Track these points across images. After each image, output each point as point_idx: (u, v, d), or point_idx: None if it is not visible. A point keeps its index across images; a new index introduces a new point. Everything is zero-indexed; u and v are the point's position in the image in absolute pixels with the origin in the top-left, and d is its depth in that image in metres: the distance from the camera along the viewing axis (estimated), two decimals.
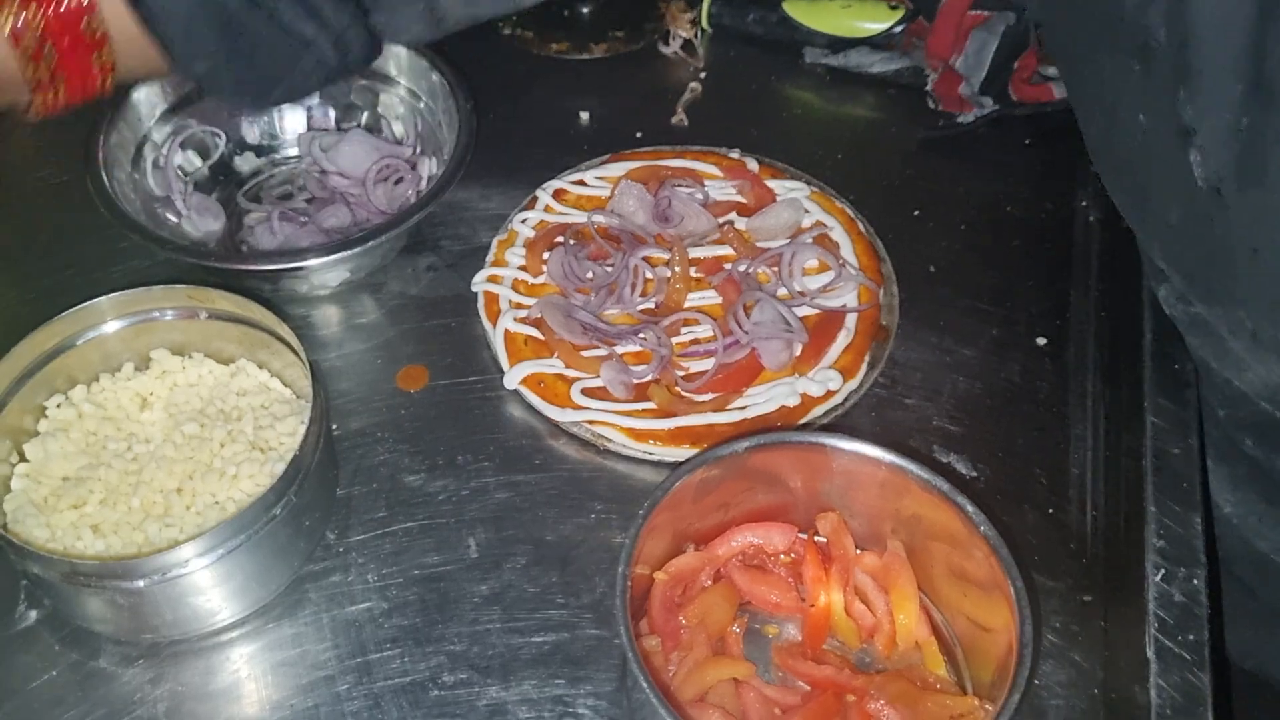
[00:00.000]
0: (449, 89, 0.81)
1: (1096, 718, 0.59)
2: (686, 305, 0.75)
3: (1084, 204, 0.84)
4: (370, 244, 0.72)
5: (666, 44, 0.97)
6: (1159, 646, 0.55)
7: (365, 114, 0.86)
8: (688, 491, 0.58)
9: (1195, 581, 0.58)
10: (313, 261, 0.72)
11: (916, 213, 0.84)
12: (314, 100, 0.84)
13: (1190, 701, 0.54)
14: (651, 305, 0.75)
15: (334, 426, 0.71)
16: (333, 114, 0.87)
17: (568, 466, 0.70)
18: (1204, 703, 0.54)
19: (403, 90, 0.85)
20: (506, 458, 0.70)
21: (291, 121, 0.85)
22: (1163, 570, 0.58)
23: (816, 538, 0.63)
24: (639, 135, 0.89)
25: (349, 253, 0.72)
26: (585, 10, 0.99)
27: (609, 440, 0.69)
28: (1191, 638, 0.56)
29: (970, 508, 0.56)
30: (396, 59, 0.84)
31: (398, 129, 0.85)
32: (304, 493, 0.61)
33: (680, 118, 0.91)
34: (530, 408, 0.72)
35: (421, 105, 0.84)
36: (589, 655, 0.61)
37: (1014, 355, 0.75)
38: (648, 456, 0.69)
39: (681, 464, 0.58)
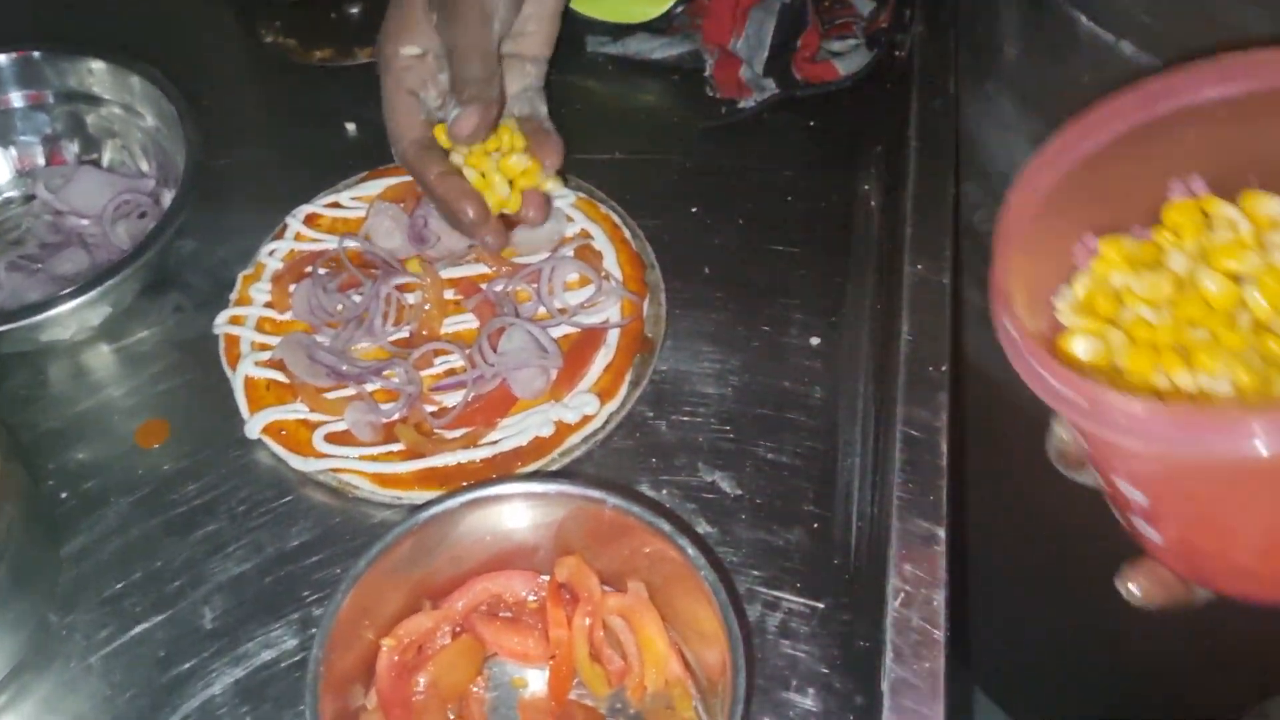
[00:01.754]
0: (177, 116, 0.75)
1: None
2: (444, 331, 0.71)
3: (866, 188, 0.81)
4: (85, 297, 0.67)
5: None
6: (894, 679, 0.53)
7: (108, 145, 0.81)
8: (398, 557, 0.55)
9: (934, 604, 0.55)
10: (17, 324, 0.67)
11: (695, 209, 0.80)
12: (21, 136, 0.79)
13: None
14: (405, 335, 0.71)
15: (63, 494, 0.67)
16: (74, 148, 0.81)
17: (315, 518, 0.66)
18: None
19: (140, 119, 0.79)
20: (250, 514, 0.66)
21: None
22: (902, 594, 0.56)
23: (560, 581, 0.60)
24: None
25: (65, 307, 0.67)
26: (354, 11, 0.93)
27: (356, 488, 0.66)
28: (928, 666, 0.54)
29: (691, 551, 0.54)
30: (130, 87, 0.79)
31: (140, 160, 0.80)
32: (1, 582, 0.57)
33: None
34: (278, 458, 0.68)
35: (159, 134, 0.78)
36: None
37: (787, 359, 0.72)
38: (398, 501, 0.66)
39: (389, 526, 0.55)
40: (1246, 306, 0.46)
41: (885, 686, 0.53)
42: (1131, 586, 0.49)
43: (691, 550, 0.53)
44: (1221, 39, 0.59)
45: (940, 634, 0.55)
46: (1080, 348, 0.47)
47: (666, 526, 0.54)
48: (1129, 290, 0.49)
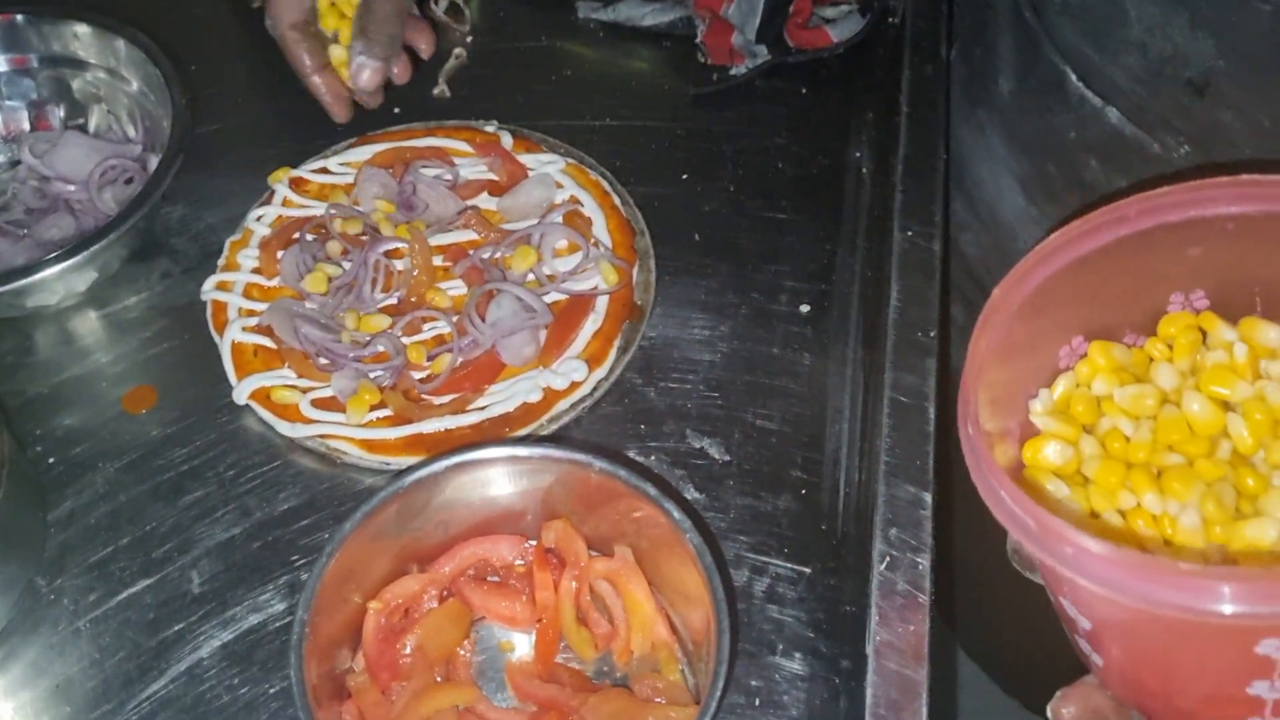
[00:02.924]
0: (163, 81, 0.75)
1: (835, 709, 0.58)
2: (433, 297, 0.71)
3: (857, 155, 0.81)
4: (70, 261, 0.67)
5: (435, 4, 0.91)
6: (879, 641, 0.54)
7: (95, 111, 0.80)
8: (384, 520, 0.55)
9: (920, 567, 0.56)
10: (3, 288, 0.66)
11: (685, 176, 0.80)
12: (7, 101, 0.78)
13: (905, 695, 0.52)
14: (394, 301, 0.71)
15: (50, 460, 0.66)
16: (59, 113, 0.80)
17: (303, 484, 0.66)
18: (919, 696, 0.52)
19: (126, 84, 0.78)
20: (238, 479, 0.66)
21: None
22: (888, 558, 0.56)
23: (547, 546, 0.60)
24: (397, 111, 0.83)
25: (50, 271, 0.67)
26: None
27: (344, 454, 0.66)
28: (912, 628, 0.54)
29: (677, 514, 0.54)
30: (115, 51, 0.78)
31: (127, 126, 0.79)
32: None
33: (442, 89, 0.85)
34: (265, 423, 0.68)
35: (145, 99, 0.78)
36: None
37: (776, 326, 0.72)
38: (386, 468, 0.65)
39: (373, 493, 0.55)
40: (1229, 435, 0.45)
41: (870, 649, 0.53)
42: (1061, 712, 0.48)
43: (677, 513, 0.53)
44: (1203, 123, 0.59)
45: (925, 598, 0.55)
46: (1051, 452, 0.46)
47: (652, 490, 0.54)
48: (1110, 400, 0.47)
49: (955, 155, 0.78)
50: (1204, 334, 0.48)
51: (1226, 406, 0.45)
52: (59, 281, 0.70)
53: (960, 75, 0.79)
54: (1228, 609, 0.35)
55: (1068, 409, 0.47)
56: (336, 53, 0.79)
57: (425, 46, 0.82)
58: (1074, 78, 0.65)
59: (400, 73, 0.80)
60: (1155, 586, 0.36)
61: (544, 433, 0.66)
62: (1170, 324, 0.48)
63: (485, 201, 0.75)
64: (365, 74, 0.77)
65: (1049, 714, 0.48)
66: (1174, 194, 0.45)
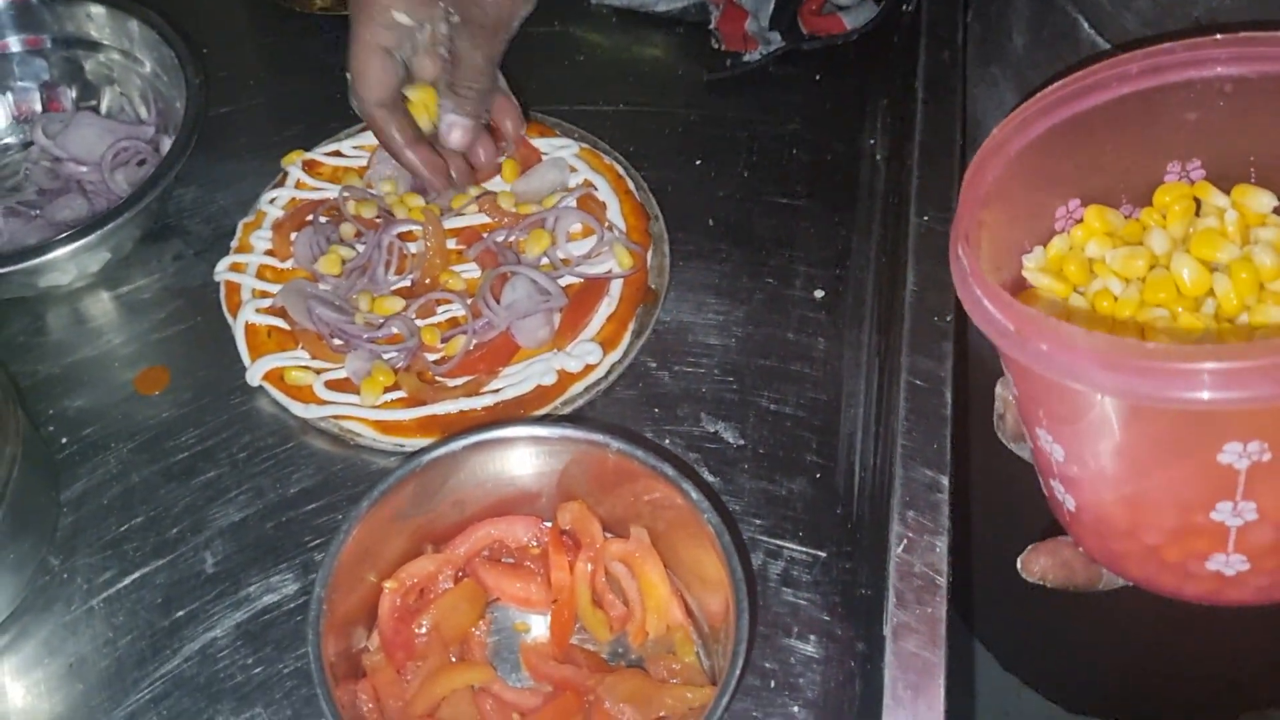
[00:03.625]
0: (177, 62, 0.74)
1: (852, 690, 0.58)
2: (447, 280, 0.70)
3: (871, 141, 0.81)
4: (82, 241, 0.67)
5: None
6: (896, 623, 0.53)
7: (107, 92, 0.80)
8: (401, 500, 0.55)
9: (937, 549, 0.55)
10: (15, 267, 0.66)
11: (699, 161, 0.80)
12: (19, 82, 0.78)
13: (923, 677, 0.52)
14: (408, 284, 0.71)
15: (62, 440, 0.66)
16: (72, 94, 0.80)
17: (317, 465, 0.66)
18: (936, 677, 0.52)
19: (139, 65, 0.78)
20: (251, 460, 0.66)
21: None
22: (905, 540, 0.56)
23: (563, 528, 0.60)
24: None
25: (62, 251, 0.67)
26: None
27: (358, 435, 0.65)
28: (930, 611, 0.54)
29: (695, 494, 0.53)
30: (129, 32, 0.78)
31: (140, 107, 0.79)
32: (1, 524, 0.56)
33: None
34: (279, 405, 0.67)
35: (158, 81, 0.77)
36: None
37: (791, 311, 0.72)
38: (400, 449, 0.65)
39: (389, 473, 0.54)
40: (1214, 295, 0.46)
41: (888, 631, 0.53)
42: (1031, 563, 0.49)
43: (695, 494, 0.53)
44: None
45: (942, 580, 0.55)
46: (1039, 306, 0.47)
47: (670, 471, 0.54)
48: (1102, 262, 0.48)
49: (969, 114, 0.78)
50: (1198, 204, 0.49)
51: (1214, 270, 0.46)
52: (71, 262, 0.70)
53: (975, 33, 0.79)
54: (1201, 394, 0.36)
55: (1060, 268, 0.48)
56: (425, 123, 0.72)
57: (512, 125, 0.74)
58: (1086, 25, 0.66)
59: (485, 152, 0.72)
60: (1128, 373, 0.36)
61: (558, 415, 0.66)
62: (1166, 193, 0.49)
63: (499, 185, 0.75)
64: (456, 133, 0.70)
65: (1019, 566, 0.49)
66: (1175, 50, 0.45)
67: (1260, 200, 0.48)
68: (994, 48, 0.78)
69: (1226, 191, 0.49)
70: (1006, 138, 0.46)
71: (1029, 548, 0.49)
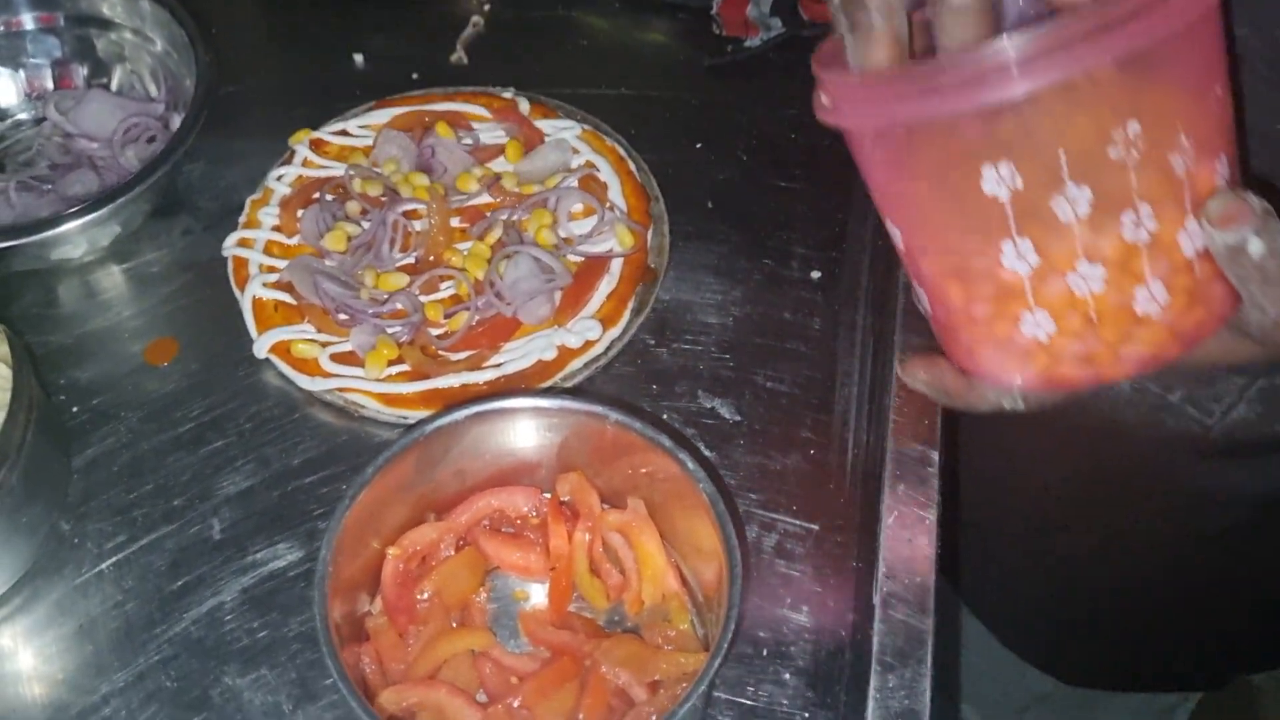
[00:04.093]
0: (188, 40, 0.76)
1: (842, 660, 0.59)
2: (451, 257, 0.72)
3: None
4: (93, 215, 0.68)
5: None
6: (885, 592, 0.55)
7: (118, 70, 0.81)
8: (404, 469, 0.56)
9: (927, 522, 0.57)
10: (27, 239, 0.68)
11: (699, 145, 0.81)
12: (31, 59, 0.79)
13: (911, 644, 0.53)
14: (412, 260, 0.72)
15: (73, 409, 0.68)
16: (83, 72, 0.82)
17: (322, 436, 0.67)
18: (924, 645, 0.53)
19: (150, 44, 0.80)
20: (257, 431, 0.67)
21: (2, 83, 0.80)
22: (896, 512, 0.57)
23: (562, 498, 0.61)
24: (415, 77, 0.84)
25: (73, 224, 0.68)
26: None
27: (362, 407, 0.67)
28: (919, 580, 0.55)
29: (691, 464, 0.55)
30: (140, 11, 0.79)
31: (150, 85, 0.81)
32: (14, 487, 0.58)
33: (460, 56, 0.87)
34: (285, 377, 0.69)
35: (169, 59, 0.79)
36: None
37: (787, 291, 0.73)
38: (403, 421, 0.67)
39: (393, 442, 0.56)
40: None
41: (877, 600, 0.55)
42: (910, 373, 0.52)
43: (691, 464, 0.55)
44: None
45: (932, 551, 0.56)
46: None
47: (667, 441, 0.55)
48: None
49: None
50: None
51: None
52: (82, 235, 0.72)
53: None
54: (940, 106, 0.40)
55: None
56: None
57: None
58: None
59: None
60: (887, 93, 0.42)
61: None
62: None
63: (503, 166, 0.76)
64: None
65: (898, 373, 0.54)
66: None
67: None
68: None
69: None
70: None
71: (910, 359, 0.53)
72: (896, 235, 0.48)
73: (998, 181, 0.41)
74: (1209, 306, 0.45)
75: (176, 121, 0.77)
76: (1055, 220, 0.42)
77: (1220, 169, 0.43)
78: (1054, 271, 0.43)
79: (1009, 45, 0.39)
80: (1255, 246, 0.42)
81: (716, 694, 0.58)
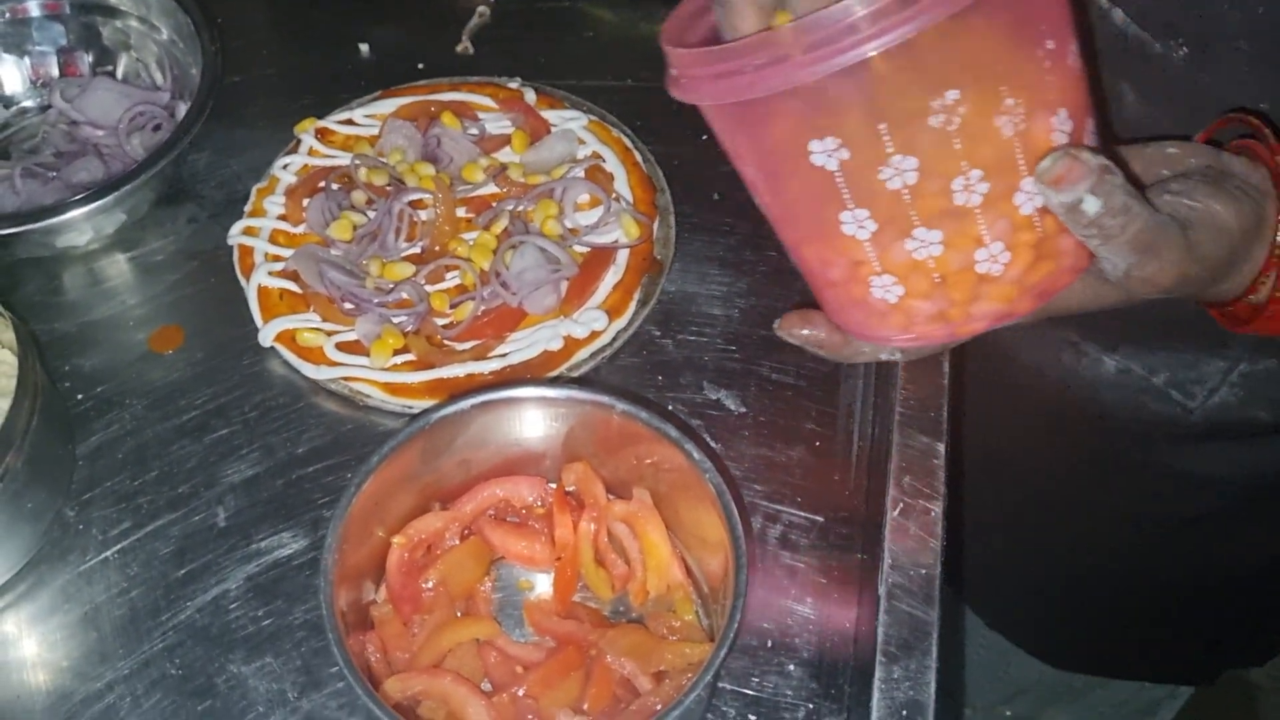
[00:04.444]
0: (194, 29, 0.76)
1: (847, 651, 0.59)
2: (456, 247, 0.72)
3: None
4: (98, 202, 0.68)
5: None
6: (891, 583, 0.55)
7: (123, 58, 0.81)
8: (409, 457, 0.56)
9: (932, 514, 0.57)
10: (32, 226, 0.68)
11: (705, 137, 0.80)
12: (37, 46, 0.79)
13: (915, 635, 0.53)
14: (417, 250, 0.72)
15: (78, 396, 0.68)
16: (88, 59, 0.81)
17: (327, 425, 0.67)
18: (929, 636, 0.53)
19: (156, 32, 0.79)
20: (262, 419, 0.67)
21: (7, 70, 0.80)
22: (901, 504, 0.57)
23: (567, 488, 0.61)
24: (421, 67, 0.84)
25: (79, 211, 0.68)
26: None
27: (367, 396, 0.67)
28: (924, 572, 0.55)
29: (697, 454, 0.55)
30: (146, 0, 0.79)
31: (155, 73, 0.80)
32: (18, 473, 0.58)
33: (465, 46, 0.86)
34: (290, 365, 0.69)
35: (175, 48, 0.79)
36: None
37: (792, 283, 0.73)
38: (408, 411, 0.67)
39: (398, 431, 0.56)
40: None
41: (882, 591, 0.55)
42: (787, 326, 0.53)
43: (697, 454, 0.55)
44: (1204, 19, 0.60)
45: (936, 543, 0.56)
46: None
47: (673, 432, 0.55)
48: None
49: None
50: None
51: None
52: (87, 223, 0.72)
53: None
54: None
55: None
56: None
57: None
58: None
59: None
60: (710, 70, 0.43)
61: None
62: None
63: (509, 156, 0.76)
64: None
65: (775, 328, 0.53)
66: None
67: None
68: None
69: None
70: None
71: (786, 315, 0.53)
72: (761, 205, 0.49)
73: (826, 155, 0.42)
74: (1058, 260, 0.45)
75: (182, 110, 0.77)
76: (885, 189, 0.42)
77: (1058, 125, 0.43)
78: (892, 238, 0.44)
79: (809, 24, 0.39)
80: (1091, 204, 0.43)
81: (721, 685, 0.58)
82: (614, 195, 0.73)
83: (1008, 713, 1.06)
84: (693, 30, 0.51)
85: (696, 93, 0.45)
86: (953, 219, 0.43)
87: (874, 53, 0.39)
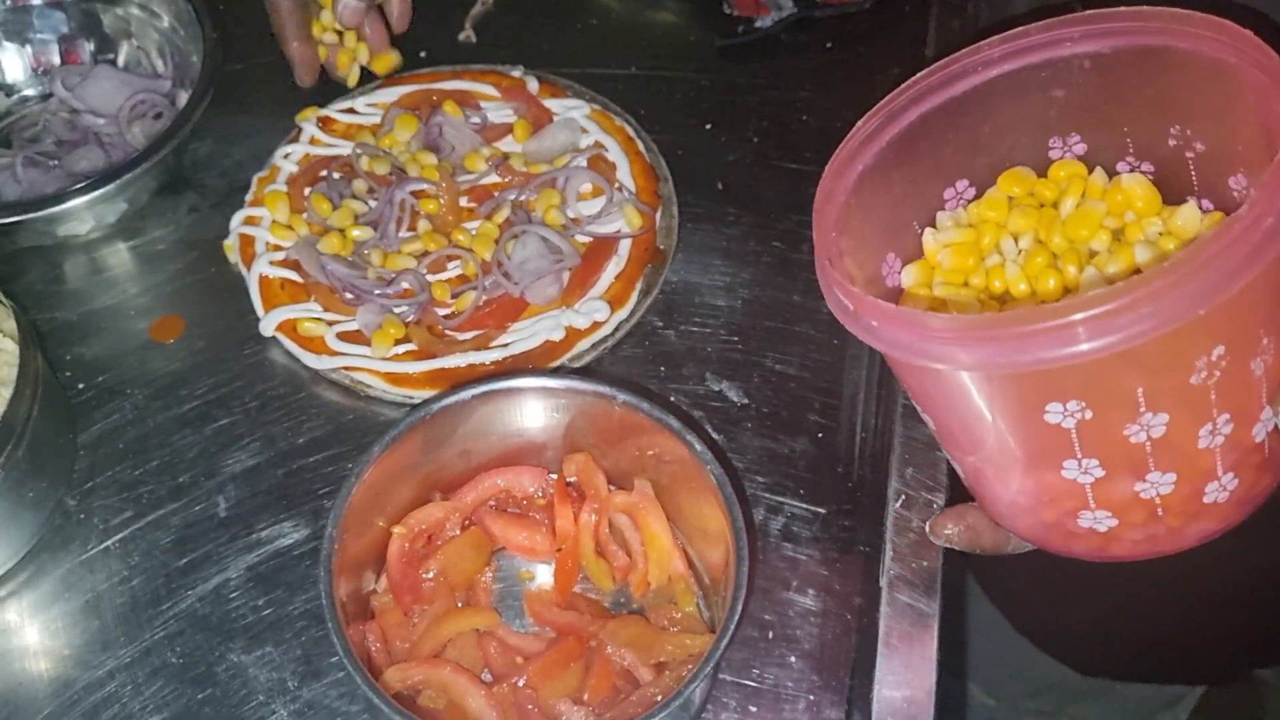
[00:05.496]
0: (195, 16, 0.75)
1: (848, 643, 0.59)
2: (459, 237, 0.71)
3: None
4: (99, 191, 0.68)
5: None
6: (892, 575, 0.55)
7: (124, 46, 0.81)
8: (410, 447, 0.56)
9: (934, 506, 0.57)
10: (33, 214, 0.67)
11: (709, 126, 0.80)
12: (38, 34, 0.79)
13: (917, 627, 0.53)
14: (419, 240, 0.72)
15: (79, 385, 0.68)
16: (89, 47, 0.81)
17: (328, 415, 0.67)
18: (930, 628, 0.53)
19: (157, 19, 0.79)
20: (263, 408, 0.67)
21: (8, 58, 0.80)
22: (903, 496, 0.57)
23: (568, 479, 0.61)
24: (423, 55, 0.84)
25: (80, 200, 0.68)
26: None
27: (368, 386, 0.67)
28: (925, 564, 0.55)
29: (698, 446, 0.55)
30: None
31: (156, 61, 0.80)
32: (19, 462, 0.58)
33: (468, 34, 0.86)
34: (291, 355, 0.69)
35: (176, 35, 0.78)
36: None
37: (797, 274, 0.73)
38: (409, 401, 0.67)
39: (399, 421, 0.56)
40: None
41: (884, 582, 0.54)
42: (938, 528, 0.51)
43: (699, 445, 0.54)
44: None
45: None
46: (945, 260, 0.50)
47: (675, 423, 0.55)
48: (995, 225, 0.51)
49: None
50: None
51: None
52: (89, 211, 0.71)
53: (984, 12, 0.80)
54: (962, 356, 0.39)
55: (964, 238, 0.51)
56: (319, 24, 0.80)
57: (397, 11, 0.80)
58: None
59: (374, 32, 0.80)
60: (914, 337, 0.40)
61: None
62: (1060, 168, 0.51)
63: (511, 145, 0.76)
64: (348, 15, 0.77)
65: (928, 530, 0.52)
66: (1031, 33, 0.48)
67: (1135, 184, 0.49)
68: (999, 12, 0.79)
69: (1110, 163, 0.50)
70: (877, 125, 0.49)
71: (938, 512, 0.52)
72: (928, 422, 0.47)
73: (1064, 414, 0.40)
74: (1276, 471, 0.44)
75: (183, 98, 0.77)
76: (1126, 443, 0.41)
77: None
78: (1120, 482, 0.42)
79: (1089, 304, 0.36)
80: None
81: (722, 676, 0.58)
82: (616, 185, 0.73)
83: (1031, 706, 1.06)
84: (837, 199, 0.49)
85: (932, 356, 0.41)
86: (1191, 460, 0.42)
87: (1168, 329, 0.37)
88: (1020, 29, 0.48)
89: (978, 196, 0.52)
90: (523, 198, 0.72)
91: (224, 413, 0.67)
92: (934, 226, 0.52)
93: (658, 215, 0.73)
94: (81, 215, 0.71)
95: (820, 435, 0.66)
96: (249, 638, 0.59)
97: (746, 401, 0.67)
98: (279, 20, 0.78)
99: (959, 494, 0.59)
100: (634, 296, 0.70)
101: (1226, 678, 0.95)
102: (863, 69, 0.83)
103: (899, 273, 0.51)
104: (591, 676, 0.54)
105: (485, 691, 0.54)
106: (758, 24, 0.85)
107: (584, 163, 0.74)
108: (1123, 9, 0.46)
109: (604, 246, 0.70)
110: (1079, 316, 0.36)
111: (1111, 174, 0.51)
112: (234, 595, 0.60)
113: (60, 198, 0.69)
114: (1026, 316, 0.37)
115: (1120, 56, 0.46)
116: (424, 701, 0.54)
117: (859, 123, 0.49)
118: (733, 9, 0.85)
